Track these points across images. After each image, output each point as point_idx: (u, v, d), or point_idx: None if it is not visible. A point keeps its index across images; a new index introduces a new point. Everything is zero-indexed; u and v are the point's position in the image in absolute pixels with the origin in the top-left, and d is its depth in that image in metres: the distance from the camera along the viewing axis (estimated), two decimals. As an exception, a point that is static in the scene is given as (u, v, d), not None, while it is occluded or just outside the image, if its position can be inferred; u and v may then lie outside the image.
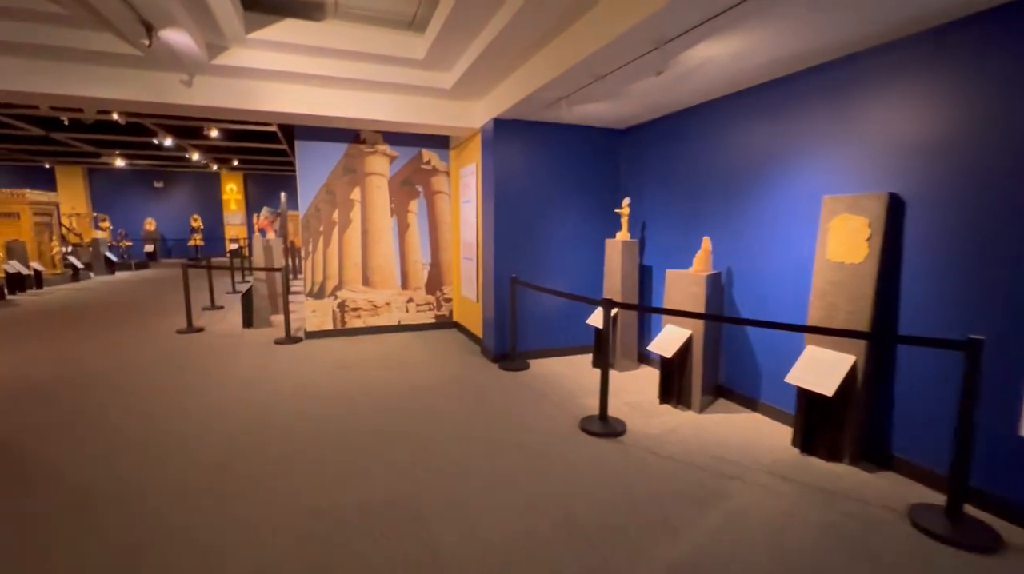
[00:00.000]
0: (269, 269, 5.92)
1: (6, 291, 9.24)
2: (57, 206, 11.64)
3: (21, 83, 3.69)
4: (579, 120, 4.67)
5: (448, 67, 4.30)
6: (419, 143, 5.98)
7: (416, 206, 6.09)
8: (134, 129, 11.33)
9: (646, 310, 3.86)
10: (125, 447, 3.00)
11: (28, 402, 3.74)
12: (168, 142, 11.93)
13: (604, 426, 3.21)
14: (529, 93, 3.73)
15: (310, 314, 5.74)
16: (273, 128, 11.06)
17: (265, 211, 7.22)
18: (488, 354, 4.96)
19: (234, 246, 19.73)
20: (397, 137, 5.87)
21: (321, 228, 5.71)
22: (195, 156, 14.22)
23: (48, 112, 8.53)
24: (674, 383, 3.67)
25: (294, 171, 20.78)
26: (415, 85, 4.40)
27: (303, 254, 5.69)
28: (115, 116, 9.32)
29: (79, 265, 11.60)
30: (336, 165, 5.67)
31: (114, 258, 13.26)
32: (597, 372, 4.57)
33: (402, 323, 6.14)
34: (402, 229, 6.06)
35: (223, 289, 9.86)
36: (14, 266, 9.45)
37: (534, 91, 3.67)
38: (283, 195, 9.18)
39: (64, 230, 14.62)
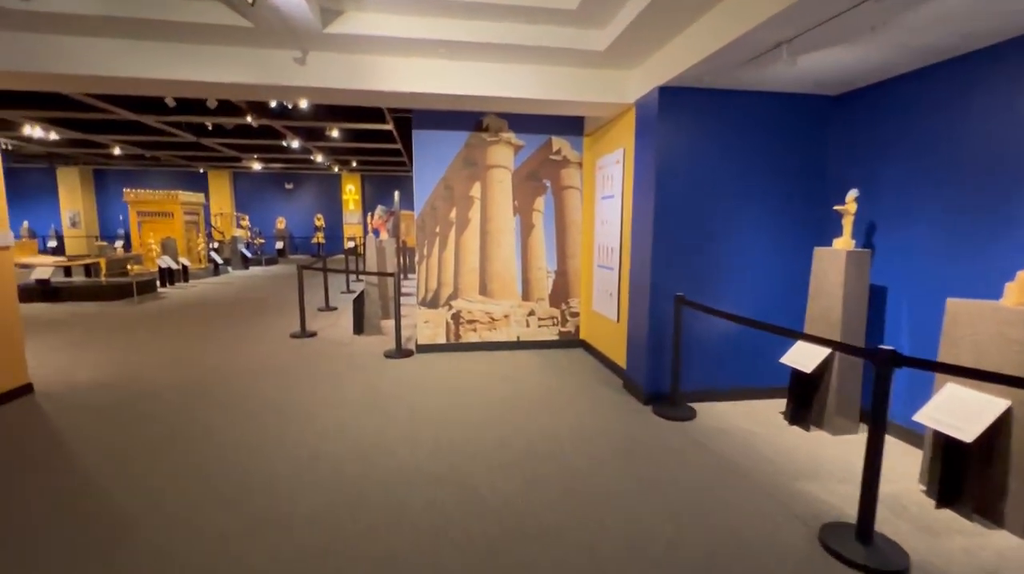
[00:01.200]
0: (380, 274, 5.40)
1: (158, 284, 10.08)
2: (203, 205, 12.65)
3: (127, 67, 3.38)
4: (777, 84, 3.41)
5: (605, 21, 3.30)
6: (548, 129, 5.07)
7: (542, 203, 5.20)
8: (267, 133, 11.97)
9: (920, 364, 1.97)
10: (214, 502, 2.42)
11: (129, 416, 3.44)
12: (295, 144, 12.43)
13: (872, 553, 2.00)
14: (731, 40, 2.60)
15: (422, 325, 5.11)
16: (388, 126, 10.97)
17: (379, 209, 6.83)
18: (635, 391, 3.89)
19: (350, 244, 20.71)
20: (524, 123, 5.02)
21: (437, 229, 5.04)
22: (319, 158, 14.85)
23: (167, 98, 8.95)
24: (969, 480, 2.32)
25: (408, 171, 21.33)
26: (560, 48, 3.46)
27: (417, 258, 5.06)
28: (248, 119, 9.72)
29: (219, 261, 12.52)
30: (455, 157, 4.97)
31: (248, 254, 14.26)
32: (795, 431, 3.29)
33: (521, 339, 5.30)
34: (525, 230, 5.20)
35: (338, 288, 9.90)
36: (166, 261, 10.29)
37: (741, 35, 2.53)
38: (396, 193, 8.89)
39: (213, 229, 16.14)
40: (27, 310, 7.37)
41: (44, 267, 8.16)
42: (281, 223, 20.02)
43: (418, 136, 4.91)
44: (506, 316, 5.23)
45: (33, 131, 11.10)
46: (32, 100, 9.61)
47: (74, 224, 19.36)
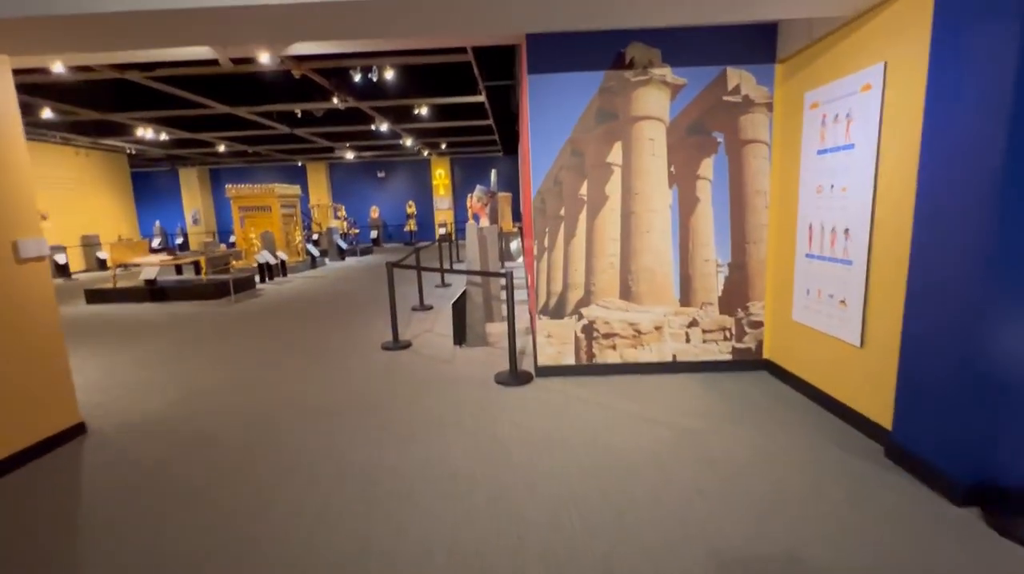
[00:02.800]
0: (486, 273, 4.18)
1: (256, 280, 9.91)
2: (300, 197, 12.48)
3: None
4: None
5: None
6: (720, 55, 3.47)
7: (710, 167, 3.63)
8: (355, 117, 11.39)
9: None
10: None
11: (180, 468, 2.55)
12: (384, 127, 11.72)
13: None
14: None
15: (543, 340, 3.82)
16: (480, 98, 9.80)
17: (478, 191, 5.64)
18: (926, 472, 2.28)
19: (442, 231, 20.18)
20: (685, 48, 3.46)
21: (562, 211, 3.69)
22: (408, 141, 14.17)
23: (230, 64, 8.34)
24: None
25: (499, 152, 20.30)
26: None
27: (536, 250, 3.76)
28: (335, 101, 9.04)
29: (316, 253, 12.33)
30: (586, 109, 3.55)
31: (343, 245, 14.06)
32: None
33: (678, 359, 3.82)
34: (686, 207, 3.68)
35: (432, 281, 9.01)
36: (264, 256, 10.10)
37: None
38: (493, 171, 7.69)
39: (312, 221, 16.26)
40: (132, 312, 7.26)
41: (151, 267, 8.10)
42: (375, 212, 19.96)
43: (535, 85, 3.55)
44: (657, 328, 3.78)
45: (146, 133, 11.44)
46: (142, 101, 9.74)
47: (196, 222, 20.82)
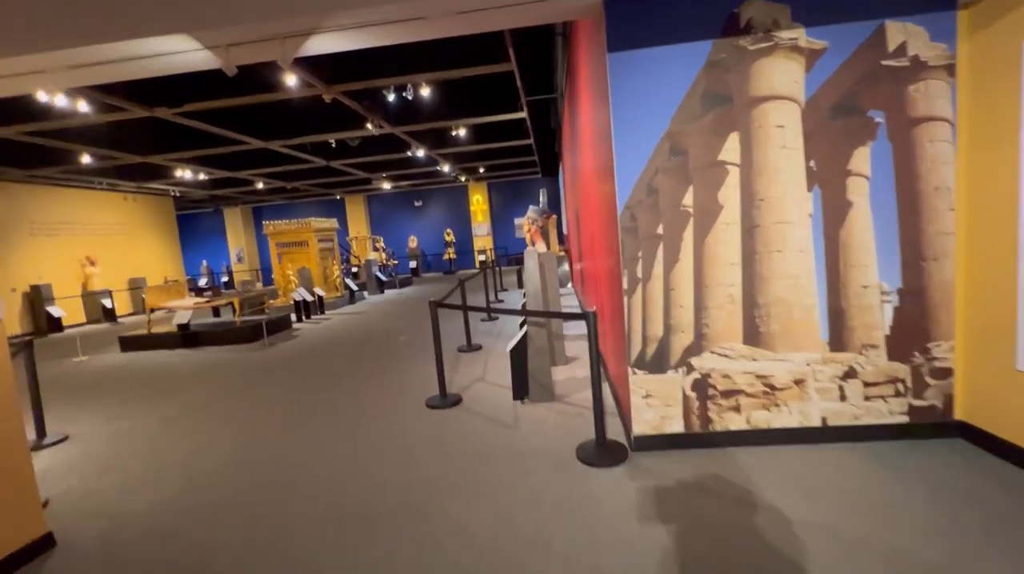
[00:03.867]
0: (567, 316, 3.28)
1: (293, 319, 9.40)
2: (337, 230, 12.10)
3: None
4: None
5: None
6: (874, 6, 2.52)
7: (866, 160, 2.64)
8: (391, 144, 10.96)
9: None
10: None
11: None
12: (420, 153, 11.22)
13: None
14: None
15: (640, 401, 2.86)
16: (521, 114, 9.11)
17: (531, 212, 4.81)
18: None
19: (481, 258, 19.56)
20: (823, 2, 2.54)
21: (659, 229, 2.77)
22: (445, 167, 13.68)
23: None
24: None
25: (537, 174, 19.68)
26: None
27: (626, 284, 2.84)
28: (368, 127, 8.54)
29: (354, 288, 11.82)
30: (689, 91, 2.66)
31: (383, 277, 13.56)
32: None
33: (830, 424, 2.77)
34: (832, 216, 2.69)
35: (475, 314, 8.20)
36: (301, 294, 9.61)
37: None
38: (542, 192, 6.88)
39: (351, 254, 15.95)
40: (161, 361, 6.76)
41: (184, 311, 7.68)
42: (413, 242, 19.59)
43: (618, 67, 2.69)
44: (798, 382, 2.75)
45: (185, 173, 11.39)
46: (177, 142, 9.62)
47: (240, 259, 21.06)
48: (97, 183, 12.04)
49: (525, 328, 3.83)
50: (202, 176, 11.96)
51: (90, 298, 12.32)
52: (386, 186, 16.98)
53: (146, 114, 6.95)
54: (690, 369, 2.80)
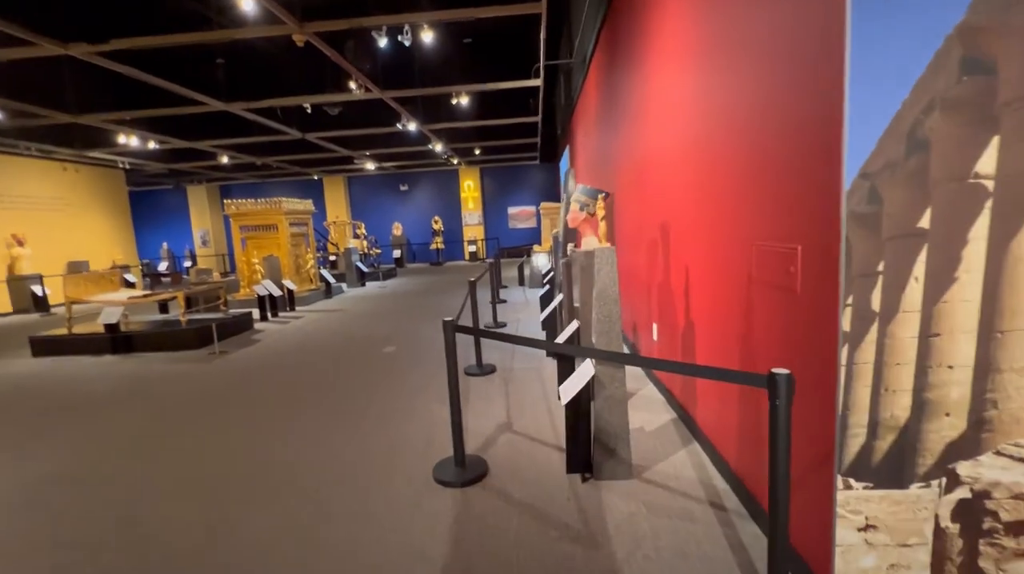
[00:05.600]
0: (730, 376, 2.00)
1: (257, 316, 7.89)
2: (312, 214, 10.55)
3: None
4: None
5: None
6: None
7: None
8: (378, 114, 9.43)
9: None
10: None
11: None
12: (412, 127, 9.72)
13: None
14: None
15: (854, 535, 1.56)
16: (536, 82, 7.68)
17: (580, 193, 3.45)
18: None
19: (472, 248, 18.14)
20: None
21: (922, 219, 1.45)
22: (437, 146, 12.19)
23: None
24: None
25: (535, 159, 18.23)
26: None
27: (849, 324, 1.52)
28: (352, 87, 7.03)
29: (331, 280, 10.32)
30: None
31: (364, 268, 12.06)
32: None
33: None
34: None
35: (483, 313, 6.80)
36: (266, 287, 8.08)
37: None
38: (570, 174, 5.52)
39: (328, 242, 14.36)
40: (77, 373, 5.22)
41: (113, 306, 6.12)
42: (398, 229, 18.04)
43: None
44: None
45: (131, 140, 9.67)
46: (116, 97, 7.94)
47: (204, 243, 19.20)
48: (24, 148, 10.20)
49: (586, 367, 2.48)
50: (153, 145, 10.23)
51: (18, 284, 10.53)
52: (370, 166, 15.39)
53: (60, 51, 5.33)
54: (955, 482, 1.51)
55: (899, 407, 1.53)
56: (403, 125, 9.41)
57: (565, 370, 3.60)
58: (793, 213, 1.69)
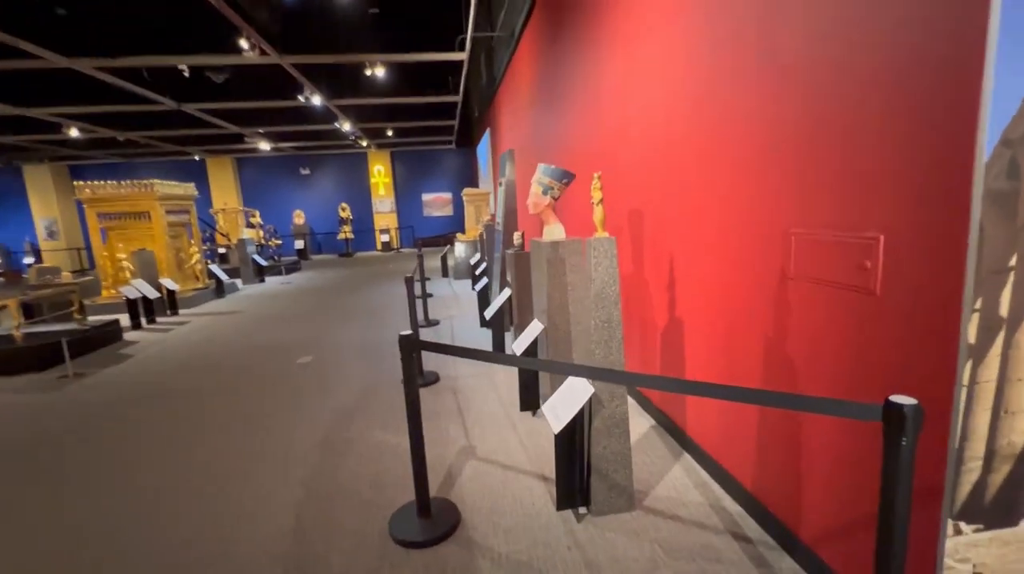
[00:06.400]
0: (843, 410, 1.58)
1: (126, 326, 6.46)
2: (194, 200, 8.98)
3: None
4: None
5: None
6: None
7: None
8: (275, 85, 8.16)
9: None
10: None
11: None
12: (316, 101, 8.58)
13: None
14: None
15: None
16: (460, 56, 7.04)
17: (543, 174, 2.98)
18: None
19: (384, 238, 17.02)
20: None
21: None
22: (345, 126, 11.02)
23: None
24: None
25: (450, 144, 17.35)
26: None
27: (971, 334, 1.22)
28: (243, 45, 5.88)
29: (223, 276, 8.89)
30: None
31: (262, 261, 10.63)
32: None
33: None
34: None
35: (401, 309, 6.10)
36: (138, 287, 6.65)
37: None
38: (511, 156, 5.03)
39: (216, 232, 12.54)
40: None
41: (-93, 322, 4.55)
42: (299, 217, 16.38)
43: None
44: None
45: (-70, 102, 7.44)
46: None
47: (52, 235, 15.98)
48: None
49: (582, 386, 2.04)
50: (-35, 109, 8.02)
51: None
52: (264, 146, 13.64)
53: None
54: (1070, 517, 1.29)
55: (1017, 431, 1.25)
56: (306, 99, 8.25)
57: (529, 379, 3.16)
58: (872, 192, 1.37)
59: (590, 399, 2.03)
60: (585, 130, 3.90)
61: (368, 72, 6.98)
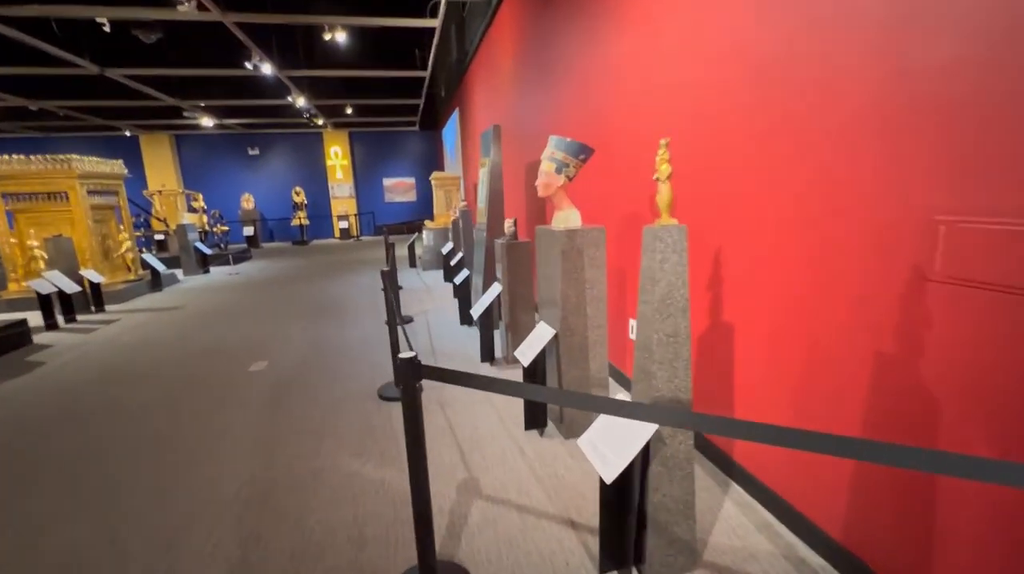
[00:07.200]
0: None
1: (31, 328, 5.49)
2: (123, 179, 7.89)
3: None
4: None
5: None
6: None
7: None
8: (218, 50, 7.18)
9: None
10: None
11: None
12: (267, 70, 7.66)
13: None
14: None
15: None
16: (433, 23, 6.35)
17: (556, 148, 2.47)
18: None
19: (343, 225, 16.02)
20: None
21: None
22: (300, 101, 10.06)
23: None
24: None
25: (412, 126, 16.37)
26: None
27: None
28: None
29: (161, 267, 7.88)
30: None
31: (206, 250, 9.59)
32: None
33: None
34: None
35: (371, 309, 5.47)
36: (51, 281, 5.68)
37: None
38: (496, 134, 4.47)
39: (152, 217, 11.29)
40: None
41: None
42: (248, 202, 15.16)
43: None
44: None
45: None
46: None
47: (-46, 218, 14.01)
48: None
49: (642, 425, 1.57)
50: None
51: None
52: (207, 122, 12.37)
53: None
54: None
55: None
56: (255, 66, 7.32)
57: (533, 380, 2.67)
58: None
59: (647, 446, 1.56)
60: (596, 101, 3.40)
61: (327, 37, 6.18)
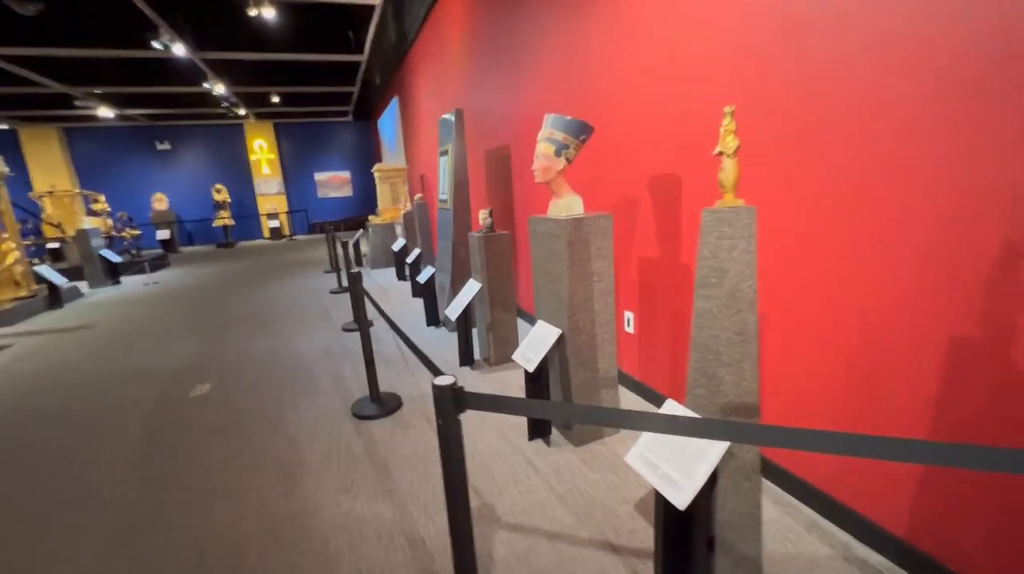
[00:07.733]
0: None
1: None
2: (3, 178, 6.70)
3: None
4: None
5: None
6: None
7: None
8: (116, 26, 6.19)
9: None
10: None
11: None
12: (179, 51, 6.76)
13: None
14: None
15: None
16: (374, 1, 5.76)
17: (552, 128, 2.23)
18: None
19: (274, 224, 14.87)
20: None
21: None
22: (219, 88, 9.06)
23: None
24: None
25: (344, 117, 15.38)
26: None
27: None
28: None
29: (58, 280, 6.80)
30: None
31: (115, 258, 8.43)
32: None
33: None
34: None
35: (309, 312, 4.97)
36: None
37: None
38: (458, 119, 4.13)
39: (44, 223, 9.81)
40: None
41: None
42: (161, 202, 13.67)
43: None
44: None
45: None
46: None
47: None
48: None
49: (713, 445, 1.37)
50: None
51: None
52: (106, 113, 10.88)
53: None
54: None
55: None
56: (164, 46, 6.40)
57: (536, 390, 2.44)
58: None
59: (715, 482, 1.37)
60: (578, 78, 3.17)
61: (253, 13, 5.50)
